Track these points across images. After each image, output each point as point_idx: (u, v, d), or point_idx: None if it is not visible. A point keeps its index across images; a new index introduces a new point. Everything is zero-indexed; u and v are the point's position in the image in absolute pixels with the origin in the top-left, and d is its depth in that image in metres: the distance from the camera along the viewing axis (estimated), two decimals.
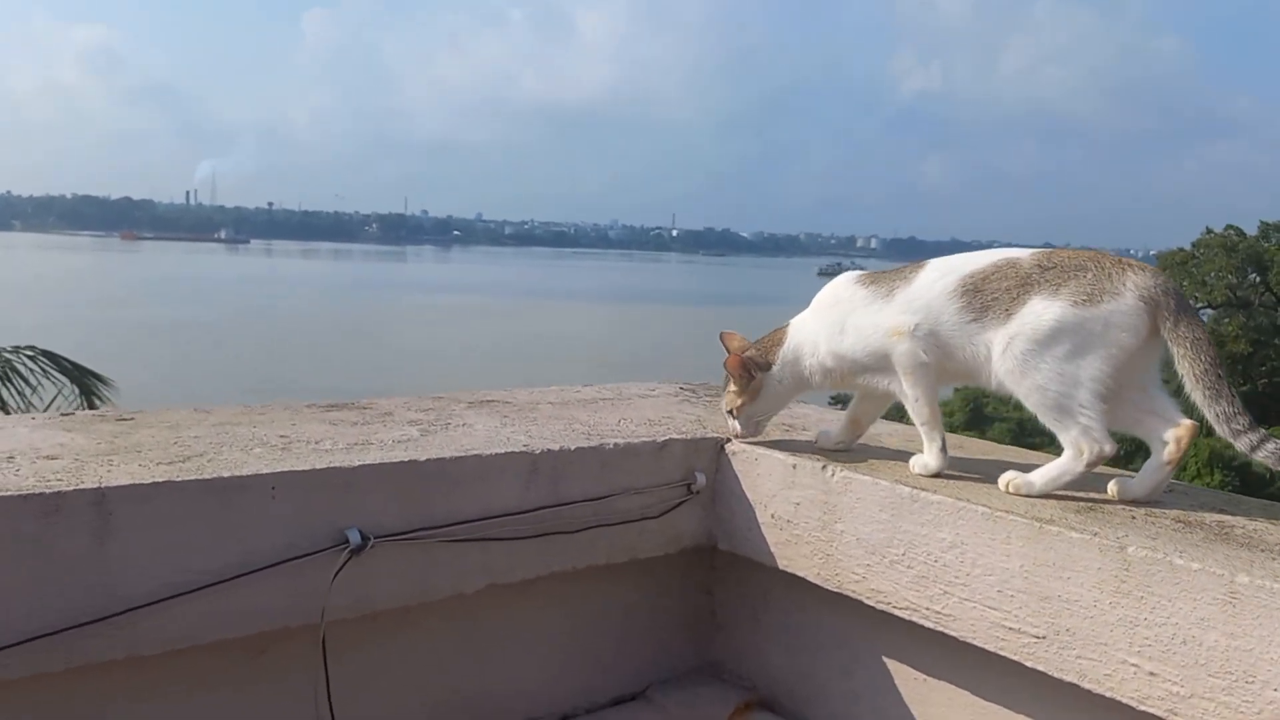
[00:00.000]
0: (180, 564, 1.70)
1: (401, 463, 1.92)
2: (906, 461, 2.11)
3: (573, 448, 2.12)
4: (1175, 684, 1.57)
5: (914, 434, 2.39)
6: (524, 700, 2.24)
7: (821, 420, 2.58)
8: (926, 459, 2.05)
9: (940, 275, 2.04)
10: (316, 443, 2.02)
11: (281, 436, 2.05)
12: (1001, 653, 1.80)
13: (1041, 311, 1.88)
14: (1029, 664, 1.76)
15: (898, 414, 2.30)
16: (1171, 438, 1.87)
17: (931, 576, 1.90)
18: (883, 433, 2.43)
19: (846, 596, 2.06)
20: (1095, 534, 1.69)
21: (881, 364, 2.08)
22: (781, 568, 2.17)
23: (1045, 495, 1.91)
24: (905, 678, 2.12)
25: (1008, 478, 1.94)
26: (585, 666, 2.33)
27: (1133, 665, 1.62)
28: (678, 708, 2.35)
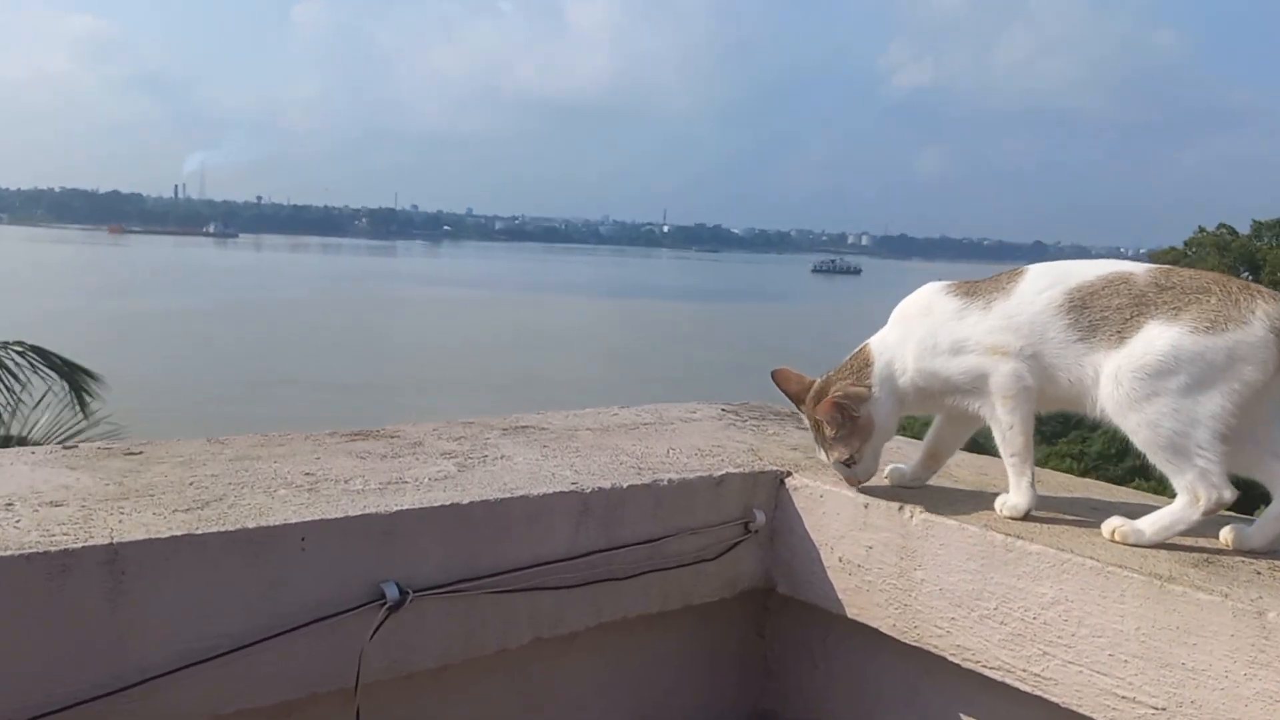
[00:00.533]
0: (201, 627, 1.51)
1: (443, 506, 1.73)
2: (986, 498, 1.94)
3: (625, 485, 1.93)
4: None
5: (988, 465, 2.22)
6: None
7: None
8: (1015, 499, 1.87)
9: (1044, 287, 1.84)
10: (345, 481, 1.83)
11: (306, 474, 1.86)
12: None
13: (1156, 337, 1.70)
14: None
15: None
16: None
17: (1029, 635, 1.72)
18: (949, 463, 2.25)
19: (925, 651, 1.88)
20: (1226, 595, 1.51)
21: (977, 385, 1.88)
22: (850, 616, 1.99)
23: (1156, 545, 1.73)
24: None
25: (1113, 525, 1.76)
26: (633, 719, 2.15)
27: None
28: None
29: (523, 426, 2.39)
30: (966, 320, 1.90)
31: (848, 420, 1.95)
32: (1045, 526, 1.82)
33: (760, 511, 2.09)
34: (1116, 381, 1.72)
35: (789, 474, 2.11)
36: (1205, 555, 1.71)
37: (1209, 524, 1.75)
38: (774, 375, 2.09)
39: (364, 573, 1.65)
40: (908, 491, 2.01)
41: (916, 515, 1.89)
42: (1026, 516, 1.86)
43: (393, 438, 2.20)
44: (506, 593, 1.79)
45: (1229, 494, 1.69)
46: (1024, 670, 1.73)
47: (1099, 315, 1.77)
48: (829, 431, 1.96)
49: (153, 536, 1.48)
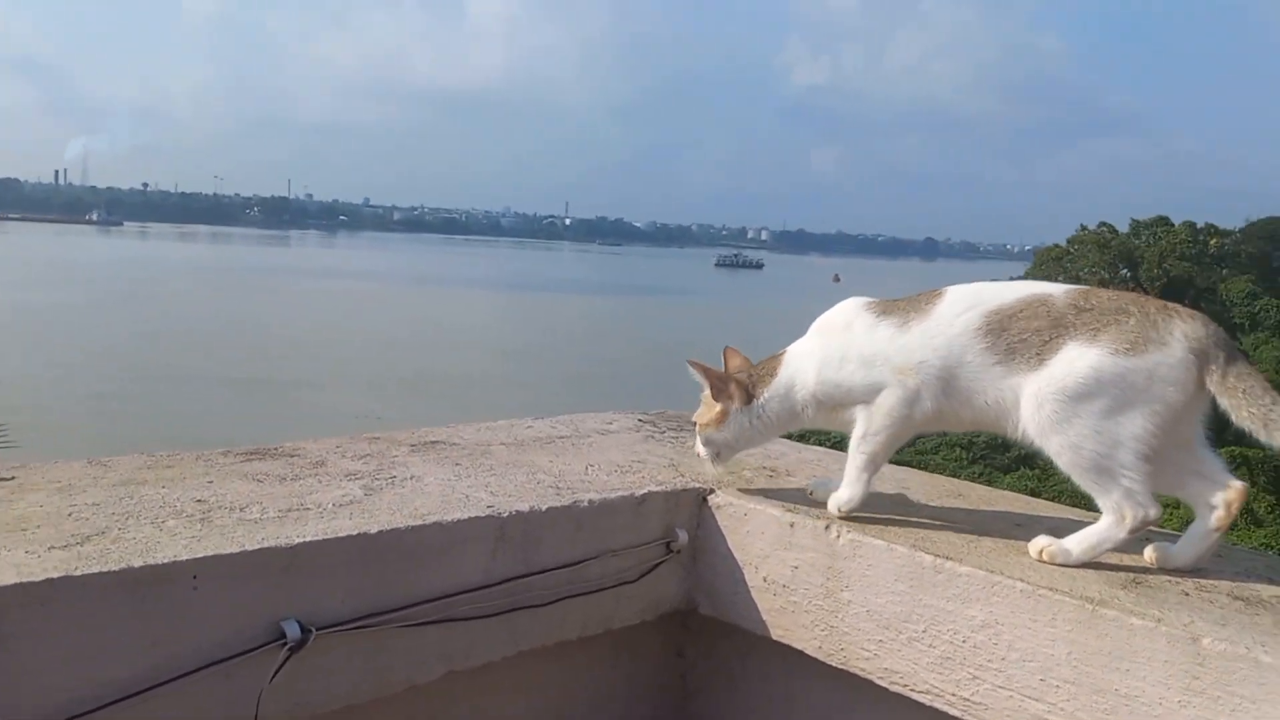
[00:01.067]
0: (84, 676, 1.38)
1: (349, 537, 1.62)
2: (909, 509, 1.97)
3: (543, 508, 1.84)
4: None
5: (909, 477, 2.20)
6: None
7: (801, 460, 2.35)
8: (846, 493, 1.89)
9: (962, 310, 1.82)
10: (241, 509, 1.70)
11: (198, 502, 1.73)
12: None
13: (1076, 359, 1.68)
14: None
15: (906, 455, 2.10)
16: (1221, 502, 1.69)
17: (958, 659, 1.69)
18: None
19: (852, 674, 1.83)
20: (1159, 620, 1.49)
21: (873, 397, 1.87)
22: (775, 638, 1.94)
23: (1083, 564, 1.71)
24: None
25: (1040, 544, 1.74)
26: None
27: None
28: None
29: (432, 442, 2.27)
30: (879, 337, 1.88)
31: (719, 399, 2.01)
32: (973, 544, 1.79)
33: (683, 530, 2.02)
34: (1038, 404, 1.70)
35: (711, 491, 2.05)
36: (1133, 575, 1.69)
37: (1133, 542, 1.74)
38: (725, 350, 2.10)
39: (263, 611, 1.53)
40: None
41: (844, 535, 1.84)
42: (853, 514, 1.87)
43: (292, 456, 2.07)
44: (417, 626, 1.69)
45: (1155, 512, 1.68)
46: (953, 694, 1.70)
47: (1017, 338, 1.75)
48: (707, 393, 2.04)
49: (25, 580, 1.35)
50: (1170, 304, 1.73)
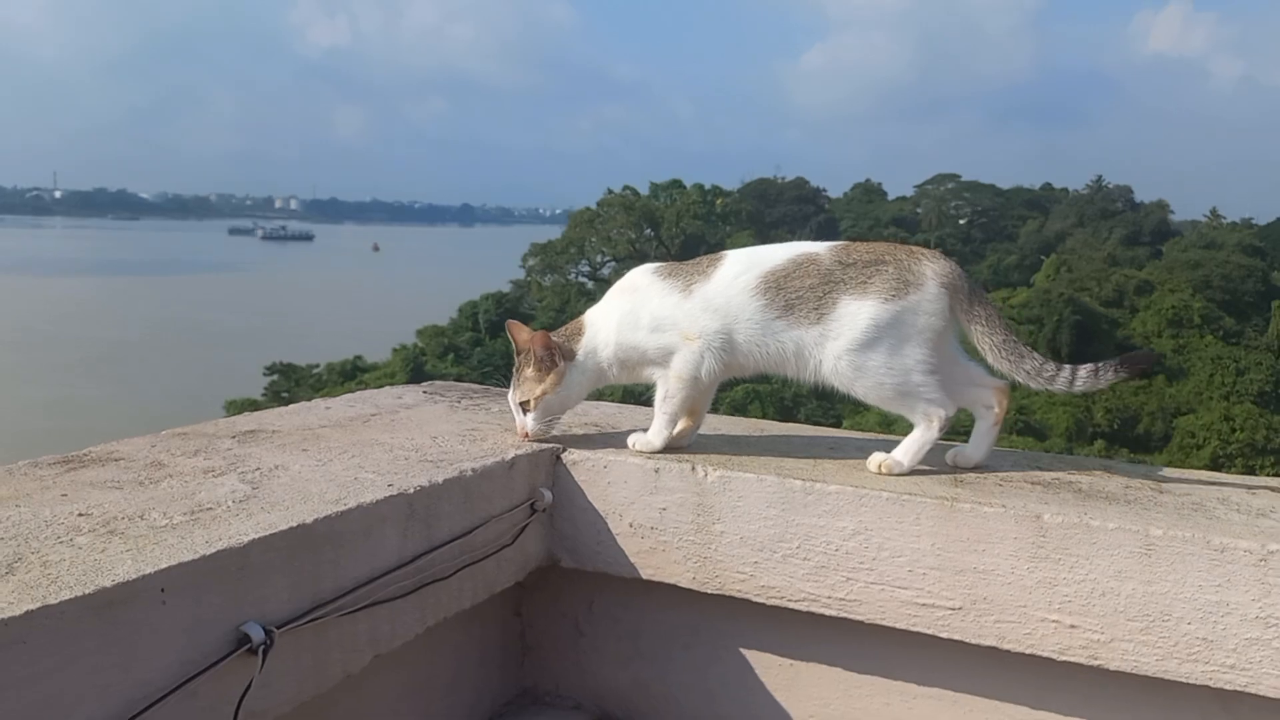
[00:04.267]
0: (60, 715, 1.23)
1: (290, 529, 1.54)
2: (765, 448, 2.17)
3: (440, 481, 1.85)
4: (1095, 632, 1.77)
5: (737, 423, 2.42)
6: None
7: (611, 414, 2.49)
8: (651, 437, 2.11)
9: (740, 271, 2.07)
10: (140, 517, 1.55)
11: (81, 515, 1.55)
12: (914, 629, 1.89)
13: (856, 313, 1.98)
14: (944, 635, 1.87)
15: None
16: (995, 400, 2.07)
17: (832, 566, 1.94)
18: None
19: (729, 597, 2.03)
20: (1004, 506, 1.83)
21: (665, 360, 2.10)
22: (645, 577, 2.08)
23: (912, 471, 2.02)
24: (769, 665, 2.14)
25: (878, 460, 2.02)
26: None
27: (1053, 621, 1.79)
28: None
29: (249, 431, 2.14)
30: (668, 301, 2.10)
31: (548, 364, 2.12)
32: (818, 467, 2.04)
33: (547, 490, 2.09)
34: (837, 360, 2.00)
35: (564, 450, 2.14)
36: (952, 477, 2.03)
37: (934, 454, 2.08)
38: (508, 325, 2.20)
39: (224, 618, 1.43)
40: (689, 452, 2.13)
41: (711, 473, 2.02)
42: (657, 453, 2.10)
43: (117, 461, 1.87)
44: (350, 614, 1.64)
45: (952, 409, 2.04)
46: (829, 597, 1.95)
47: (794, 295, 2.03)
48: (530, 369, 2.13)
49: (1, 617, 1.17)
50: (915, 248, 2.07)
